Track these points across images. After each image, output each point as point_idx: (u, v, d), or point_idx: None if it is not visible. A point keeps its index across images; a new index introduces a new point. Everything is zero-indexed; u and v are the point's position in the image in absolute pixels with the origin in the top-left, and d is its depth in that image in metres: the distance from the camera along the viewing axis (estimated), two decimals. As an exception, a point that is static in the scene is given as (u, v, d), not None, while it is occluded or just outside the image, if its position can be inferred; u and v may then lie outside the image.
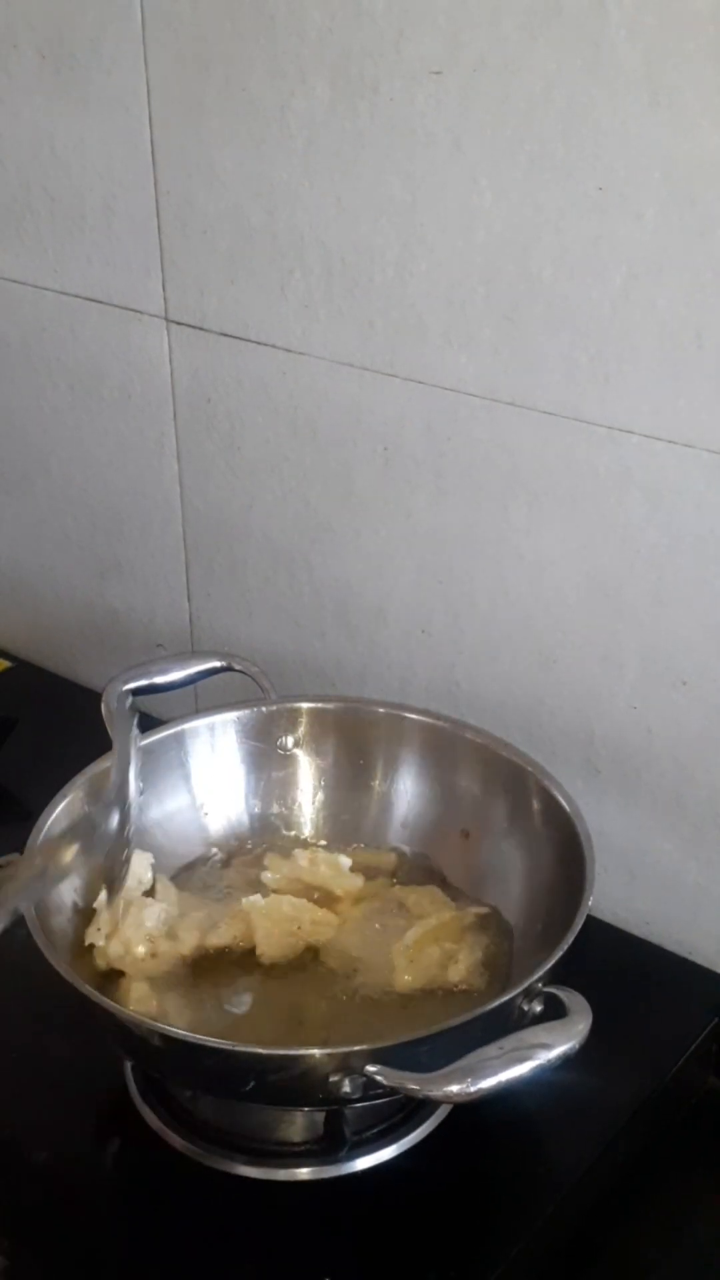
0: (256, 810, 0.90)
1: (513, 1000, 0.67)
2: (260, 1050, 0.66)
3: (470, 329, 0.82)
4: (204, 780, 0.89)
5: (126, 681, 0.88)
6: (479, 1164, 0.75)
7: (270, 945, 0.80)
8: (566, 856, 0.77)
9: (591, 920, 0.71)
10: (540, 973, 0.67)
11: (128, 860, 0.80)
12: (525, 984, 0.67)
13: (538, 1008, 0.68)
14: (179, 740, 0.87)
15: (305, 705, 0.90)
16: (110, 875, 0.79)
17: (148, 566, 1.10)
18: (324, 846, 0.89)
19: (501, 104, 0.75)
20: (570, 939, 0.69)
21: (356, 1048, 0.63)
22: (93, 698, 0.87)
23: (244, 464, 0.98)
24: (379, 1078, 0.63)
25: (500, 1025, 0.65)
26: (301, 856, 0.85)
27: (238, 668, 0.91)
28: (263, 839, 0.90)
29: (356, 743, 0.90)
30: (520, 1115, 0.76)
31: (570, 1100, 0.73)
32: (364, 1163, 0.74)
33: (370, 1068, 0.63)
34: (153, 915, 0.80)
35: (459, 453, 0.86)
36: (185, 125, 0.89)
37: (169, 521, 1.06)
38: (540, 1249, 0.72)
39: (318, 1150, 0.74)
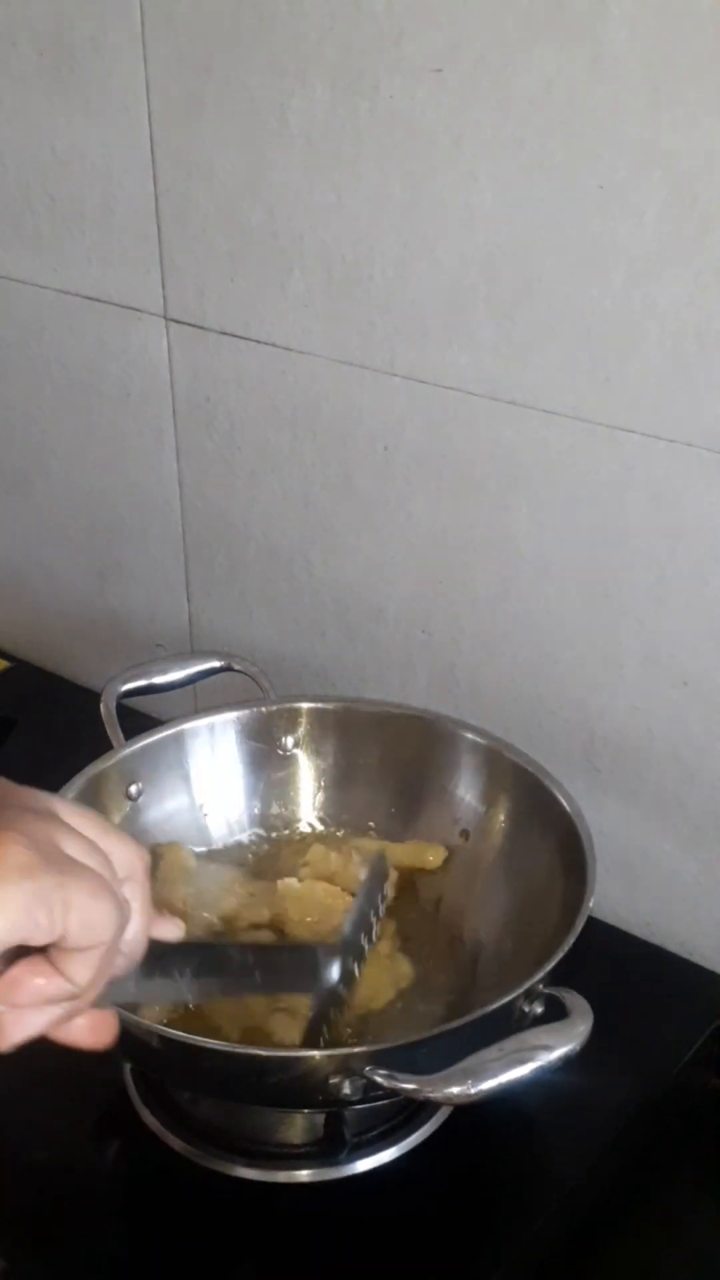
0: (256, 810, 0.90)
1: (513, 1002, 0.67)
2: (260, 1052, 0.66)
3: (470, 328, 0.82)
4: (204, 780, 0.89)
5: (126, 681, 0.88)
6: (479, 1166, 0.75)
7: (301, 929, 0.81)
8: (567, 857, 0.77)
9: (592, 921, 0.71)
10: (541, 974, 0.67)
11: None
12: (526, 985, 0.67)
13: (538, 1009, 0.67)
14: (179, 740, 0.87)
15: (305, 705, 0.90)
16: None
17: (147, 566, 1.10)
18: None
19: (502, 103, 0.75)
20: (571, 940, 0.69)
21: (357, 1049, 0.63)
22: (93, 698, 0.87)
23: (244, 463, 0.98)
24: (379, 1079, 0.62)
25: (501, 1027, 0.65)
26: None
27: (238, 668, 0.91)
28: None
29: (356, 743, 0.90)
30: (521, 1117, 0.76)
31: (571, 1102, 0.72)
32: (364, 1165, 0.74)
33: (370, 1069, 0.63)
34: (187, 886, 0.81)
35: (459, 453, 0.86)
36: (185, 124, 0.89)
37: (168, 521, 1.06)
38: (541, 1250, 0.72)
39: (318, 1152, 0.74)
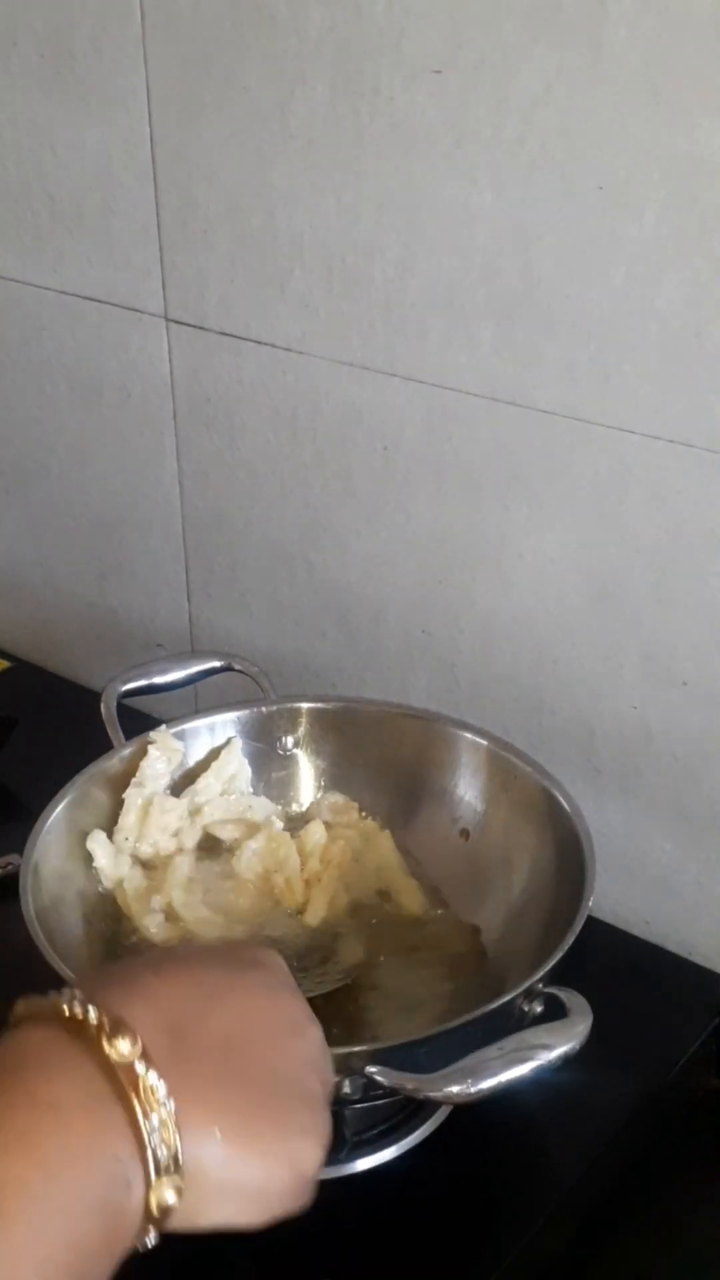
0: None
1: (513, 1001, 0.67)
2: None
3: (470, 328, 0.82)
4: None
5: (126, 682, 0.88)
6: (479, 1165, 0.75)
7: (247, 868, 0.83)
8: (567, 857, 0.77)
9: (592, 920, 0.71)
10: (540, 973, 0.67)
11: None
12: (525, 984, 0.67)
13: (538, 1008, 0.68)
14: (179, 740, 0.87)
15: (305, 705, 0.90)
16: None
17: (147, 566, 1.10)
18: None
19: (501, 103, 0.75)
20: (570, 939, 0.69)
21: (356, 1048, 0.63)
22: (93, 698, 0.87)
23: (244, 464, 0.98)
24: (379, 1078, 0.62)
25: (500, 1026, 0.65)
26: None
27: (238, 668, 0.91)
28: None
29: (356, 743, 0.90)
30: (521, 1116, 0.76)
31: (570, 1101, 0.72)
32: (364, 1163, 0.74)
33: (370, 1068, 0.63)
34: (175, 809, 0.84)
35: (459, 453, 0.86)
36: (185, 125, 0.89)
37: (169, 521, 1.06)
38: (540, 1249, 0.72)
39: (318, 1151, 0.74)
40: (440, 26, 0.75)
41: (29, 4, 0.93)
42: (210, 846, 0.85)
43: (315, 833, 0.84)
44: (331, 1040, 0.53)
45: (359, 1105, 0.67)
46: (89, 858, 0.81)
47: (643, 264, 0.74)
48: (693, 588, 0.80)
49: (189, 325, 0.96)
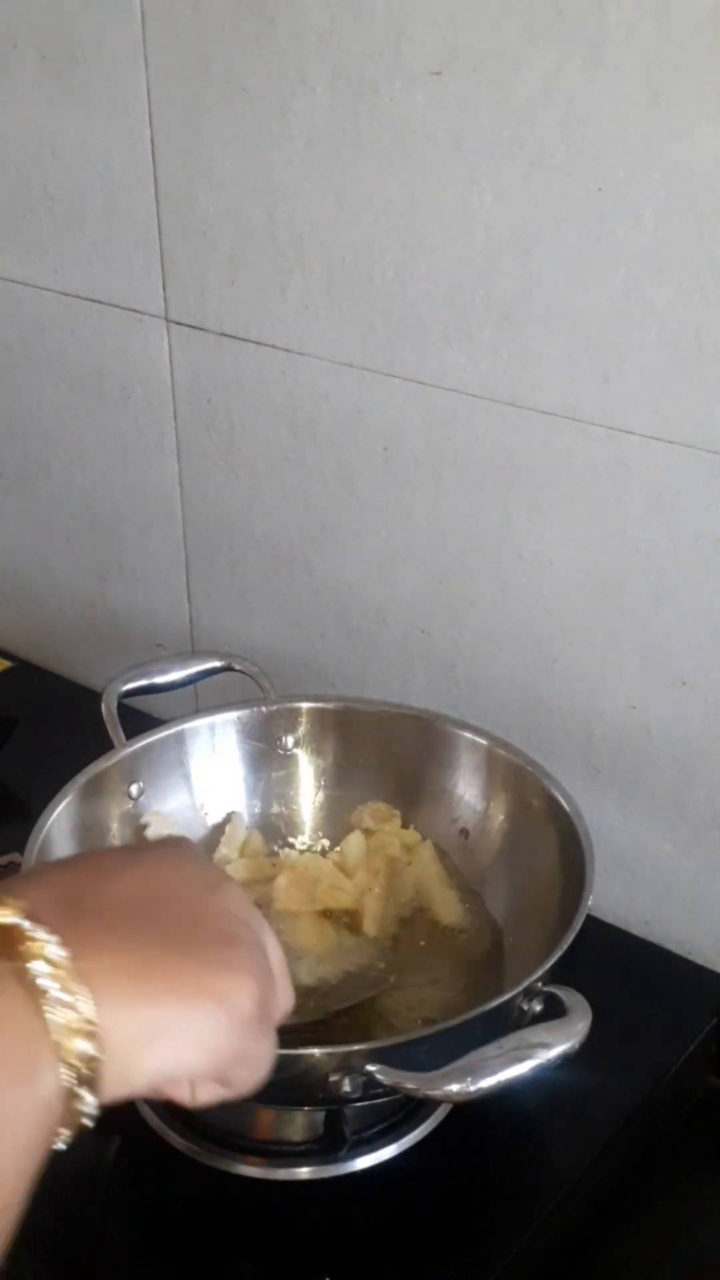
0: (256, 810, 0.90)
1: (512, 999, 0.67)
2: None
3: (470, 329, 0.82)
4: (204, 780, 0.89)
5: (126, 681, 0.88)
6: (479, 1163, 0.75)
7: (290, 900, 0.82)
8: (566, 856, 0.77)
9: (591, 920, 0.71)
10: (540, 972, 0.67)
11: None
12: (525, 983, 0.67)
13: (537, 1007, 0.68)
14: (179, 740, 0.87)
15: (305, 705, 0.90)
16: None
17: (148, 566, 1.10)
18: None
19: (501, 104, 0.75)
20: (570, 938, 0.69)
21: (356, 1047, 0.64)
22: (93, 698, 0.87)
23: (244, 464, 0.99)
24: (379, 1077, 0.63)
25: (500, 1024, 0.65)
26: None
27: (238, 668, 0.91)
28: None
29: (356, 743, 0.90)
30: (520, 1115, 0.76)
31: (570, 1100, 0.73)
32: (364, 1162, 0.74)
33: (370, 1067, 0.63)
34: None
35: (459, 453, 0.86)
36: (185, 126, 0.89)
37: (169, 521, 1.06)
38: (540, 1248, 0.72)
39: (318, 1149, 0.74)
40: (440, 28, 0.75)
41: (29, 4, 0.93)
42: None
43: (355, 844, 0.85)
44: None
45: (359, 1104, 0.67)
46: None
47: (642, 265, 0.74)
48: (693, 588, 0.80)
49: (189, 326, 0.96)
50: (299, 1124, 0.75)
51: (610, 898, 0.91)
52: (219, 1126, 0.75)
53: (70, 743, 0.86)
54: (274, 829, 0.90)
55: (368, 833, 0.87)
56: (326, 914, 0.83)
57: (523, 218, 0.77)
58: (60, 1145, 0.42)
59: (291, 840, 0.90)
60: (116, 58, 0.90)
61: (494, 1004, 0.66)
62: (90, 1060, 0.40)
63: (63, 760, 0.83)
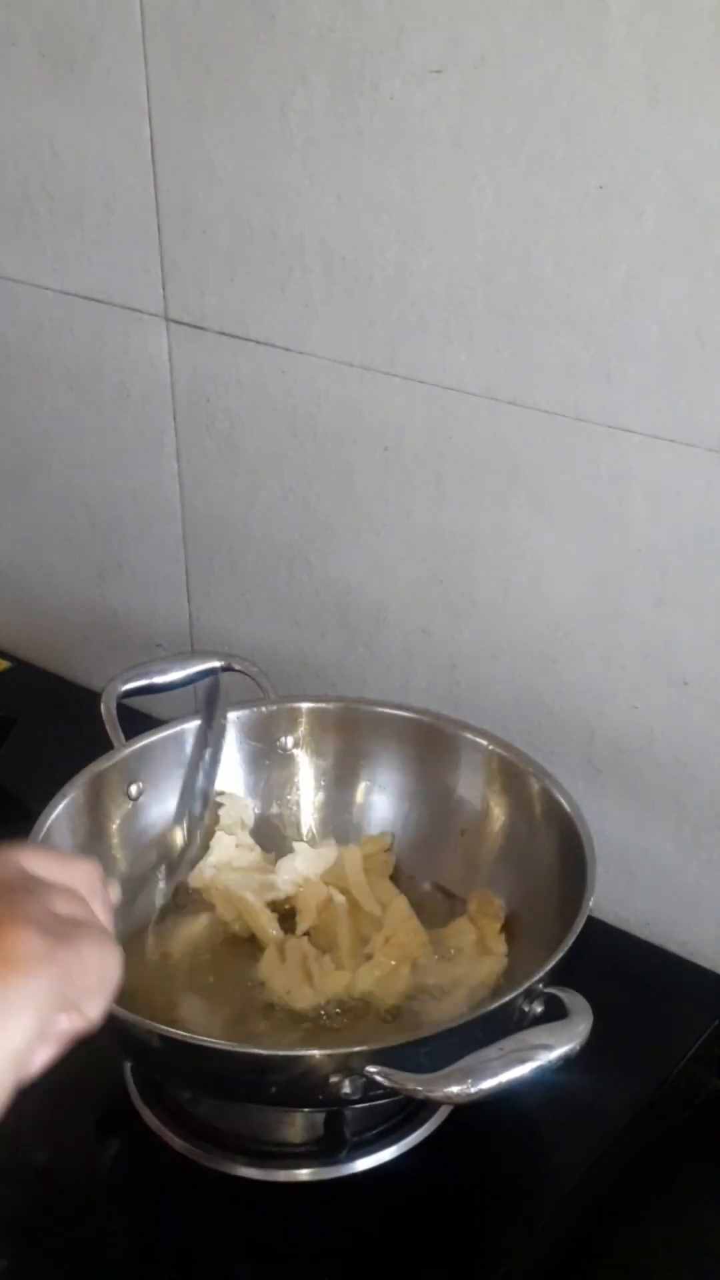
0: (257, 810, 0.90)
1: (513, 1001, 0.67)
2: (260, 1051, 0.66)
3: (470, 328, 0.82)
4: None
5: (126, 681, 0.88)
6: (479, 1165, 0.75)
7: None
8: (567, 857, 0.77)
9: (592, 921, 0.71)
10: (541, 974, 0.67)
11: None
12: (526, 985, 0.67)
13: (538, 1009, 0.67)
14: (178, 740, 0.87)
15: (305, 705, 0.90)
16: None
17: (147, 566, 1.10)
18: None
19: (502, 102, 0.75)
20: (571, 940, 0.69)
21: (357, 1049, 0.63)
22: (93, 698, 0.87)
23: (244, 463, 0.98)
24: (379, 1079, 0.63)
25: (501, 1026, 0.65)
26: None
27: (237, 668, 0.91)
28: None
29: (357, 743, 0.90)
30: (521, 1117, 0.76)
31: (571, 1102, 0.72)
32: (364, 1164, 0.74)
33: (371, 1069, 0.63)
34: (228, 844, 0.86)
35: (459, 453, 0.86)
36: (185, 124, 0.89)
37: (169, 521, 1.06)
38: (540, 1251, 0.72)
39: (318, 1151, 0.74)
40: (440, 26, 0.75)
41: (29, 4, 0.93)
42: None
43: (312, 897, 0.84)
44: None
45: (359, 1105, 0.67)
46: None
47: (643, 263, 0.74)
48: (693, 588, 0.80)
49: (189, 325, 0.96)
50: (299, 1126, 0.75)
51: (611, 899, 0.91)
52: (219, 1128, 0.75)
53: (70, 743, 0.86)
54: (274, 829, 0.90)
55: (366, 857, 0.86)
56: None
57: (523, 216, 0.77)
58: None
59: (292, 840, 0.90)
60: (116, 57, 0.90)
61: (495, 1005, 0.66)
62: None
63: (63, 760, 0.83)
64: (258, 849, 0.87)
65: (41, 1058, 0.49)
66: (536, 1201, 0.73)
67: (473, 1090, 0.60)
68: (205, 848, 0.86)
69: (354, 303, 0.86)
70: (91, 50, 0.91)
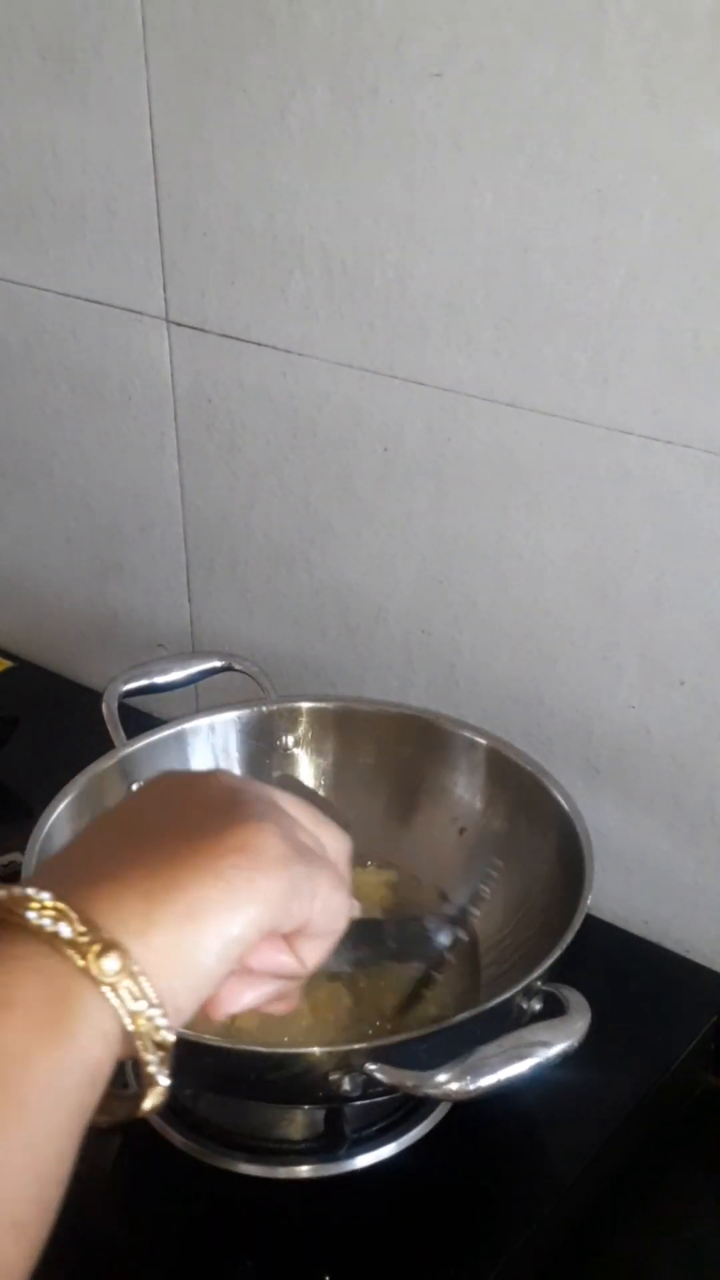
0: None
1: (512, 998, 0.67)
2: (260, 1048, 0.66)
3: (470, 330, 0.82)
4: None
5: (127, 681, 0.88)
6: (478, 1162, 0.76)
7: None
8: (565, 855, 0.77)
9: (590, 919, 0.71)
10: (539, 971, 0.68)
11: None
12: (524, 982, 0.67)
13: (537, 1006, 0.68)
14: (179, 740, 0.87)
15: (305, 705, 0.90)
16: None
17: (148, 566, 1.10)
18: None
19: (501, 106, 0.75)
20: (569, 937, 0.69)
21: (356, 1046, 0.64)
22: (93, 698, 0.87)
23: (244, 464, 0.99)
24: (379, 1075, 0.63)
25: (499, 1023, 0.65)
26: None
27: (238, 668, 0.92)
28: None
29: (356, 743, 0.90)
30: (519, 1113, 0.76)
31: (569, 1098, 0.73)
32: (364, 1160, 0.74)
33: (370, 1065, 0.63)
34: None
35: (459, 453, 0.87)
36: (186, 127, 0.89)
37: (169, 522, 1.06)
38: (539, 1247, 0.72)
39: (318, 1148, 0.74)
40: (440, 29, 0.76)
41: (29, 5, 0.93)
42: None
43: None
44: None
45: (359, 1102, 0.67)
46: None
47: (641, 266, 0.74)
48: (692, 588, 0.80)
49: (189, 327, 0.96)
50: (299, 1123, 0.75)
51: (609, 897, 0.92)
52: (220, 1125, 0.75)
53: (70, 743, 0.86)
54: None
55: None
56: None
57: (522, 219, 0.77)
58: (163, 1080, 0.41)
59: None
60: (116, 58, 0.90)
61: (493, 1003, 0.66)
62: (129, 980, 0.40)
63: (63, 760, 0.83)
64: None
65: (244, 996, 0.46)
66: (535, 1197, 0.73)
67: (471, 1087, 0.61)
68: None
69: (354, 305, 0.87)
70: (93, 53, 0.92)
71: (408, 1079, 0.62)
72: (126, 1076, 0.42)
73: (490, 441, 0.85)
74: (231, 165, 0.88)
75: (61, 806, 0.80)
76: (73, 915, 0.40)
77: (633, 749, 0.87)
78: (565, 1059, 0.62)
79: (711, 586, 0.79)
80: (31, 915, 0.40)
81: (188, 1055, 0.67)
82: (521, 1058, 0.61)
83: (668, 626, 0.82)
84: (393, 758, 0.89)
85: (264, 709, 0.90)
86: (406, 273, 0.83)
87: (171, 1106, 0.77)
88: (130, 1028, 0.40)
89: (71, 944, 0.40)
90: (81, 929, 0.40)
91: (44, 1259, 0.71)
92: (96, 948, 0.40)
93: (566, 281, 0.77)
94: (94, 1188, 0.75)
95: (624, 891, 0.91)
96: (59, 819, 0.79)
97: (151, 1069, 0.41)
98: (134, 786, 0.85)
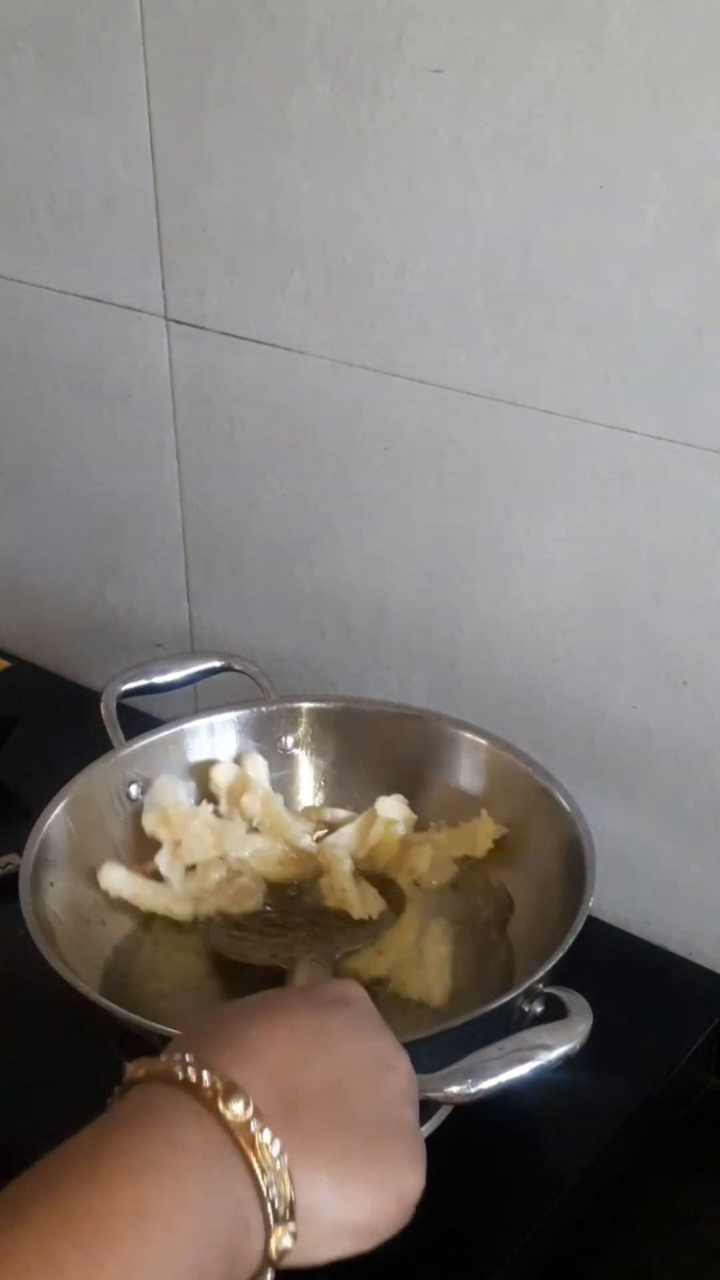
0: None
1: (513, 1001, 0.67)
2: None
3: (470, 328, 0.82)
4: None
5: (126, 681, 0.88)
6: (479, 1165, 0.75)
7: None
8: (566, 857, 0.77)
9: (592, 921, 0.71)
10: (541, 973, 0.67)
11: None
12: (526, 984, 0.67)
13: (538, 1008, 0.68)
14: (178, 740, 0.87)
15: (305, 705, 0.90)
16: None
17: (147, 566, 1.10)
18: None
19: (502, 103, 0.75)
20: (571, 939, 0.69)
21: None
22: (93, 698, 0.87)
23: (244, 463, 0.98)
24: (379, 1078, 0.62)
25: (500, 1026, 0.65)
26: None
27: (238, 668, 0.91)
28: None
29: (356, 743, 0.90)
30: (520, 1116, 0.76)
31: (570, 1101, 0.72)
32: (364, 1163, 0.73)
33: (370, 1068, 0.63)
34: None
35: (459, 453, 0.86)
36: (185, 124, 0.89)
37: (169, 521, 1.06)
38: (540, 1249, 0.72)
39: (318, 1151, 0.74)
40: (440, 26, 0.75)
41: (29, 4, 0.93)
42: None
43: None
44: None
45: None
46: (89, 858, 0.81)
47: (643, 264, 0.74)
48: (692, 588, 0.80)
49: (189, 325, 0.96)
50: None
51: (611, 898, 0.91)
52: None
53: (70, 743, 0.86)
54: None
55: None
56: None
57: (523, 216, 0.77)
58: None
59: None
60: (116, 57, 0.90)
61: (494, 1005, 0.66)
62: (284, 1252, 0.45)
63: (62, 760, 0.83)
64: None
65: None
66: (536, 1200, 0.73)
67: (472, 1090, 0.60)
68: None
69: (354, 303, 0.86)
70: (92, 50, 0.91)
71: (408, 1082, 0.62)
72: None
73: (491, 440, 0.84)
74: (231, 162, 0.88)
75: (60, 807, 0.79)
76: (281, 1177, 0.45)
77: (634, 749, 0.87)
78: (567, 1062, 0.62)
79: (714, 586, 0.79)
80: (260, 1165, 0.45)
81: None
82: (523, 1061, 0.61)
83: (670, 626, 0.82)
84: (393, 758, 0.89)
85: (264, 709, 0.89)
86: (407, 270, 0.83)
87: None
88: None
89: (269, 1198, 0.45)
90: (276, 1195, 0.45)
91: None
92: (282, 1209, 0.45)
93: (568, 279, 0.77)
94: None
95: (626, 893, 0.91)
96: (57, 820, 0.79)
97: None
98: (131, 789, 0.85)
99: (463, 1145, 0.75)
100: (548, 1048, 0.62)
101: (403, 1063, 0.53)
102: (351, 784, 0.90)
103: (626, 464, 0.79)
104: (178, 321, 0.97)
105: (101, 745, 0.85)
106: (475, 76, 0.75)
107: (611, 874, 0.89)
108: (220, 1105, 0.45)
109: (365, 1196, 0.47)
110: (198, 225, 0.92)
